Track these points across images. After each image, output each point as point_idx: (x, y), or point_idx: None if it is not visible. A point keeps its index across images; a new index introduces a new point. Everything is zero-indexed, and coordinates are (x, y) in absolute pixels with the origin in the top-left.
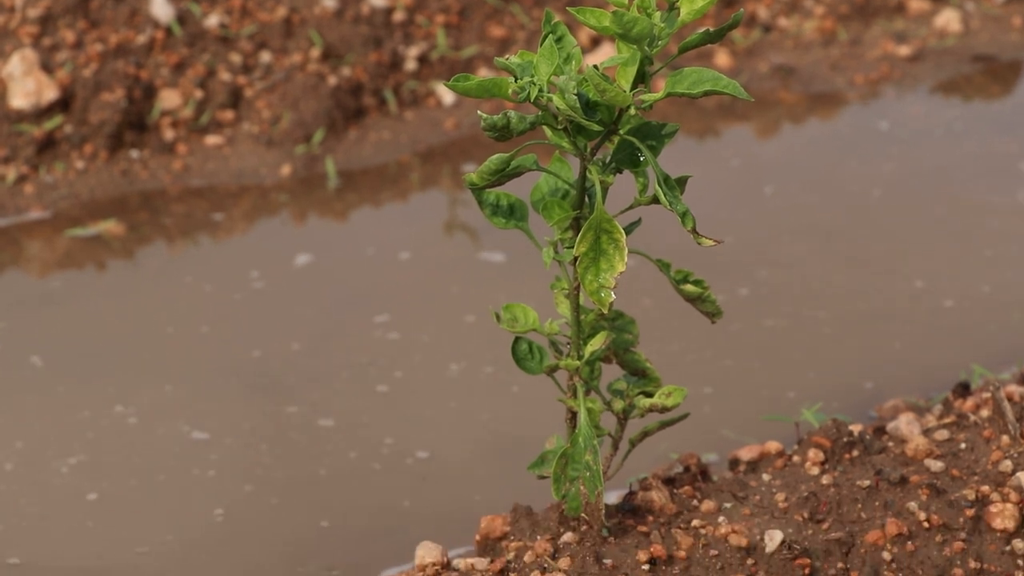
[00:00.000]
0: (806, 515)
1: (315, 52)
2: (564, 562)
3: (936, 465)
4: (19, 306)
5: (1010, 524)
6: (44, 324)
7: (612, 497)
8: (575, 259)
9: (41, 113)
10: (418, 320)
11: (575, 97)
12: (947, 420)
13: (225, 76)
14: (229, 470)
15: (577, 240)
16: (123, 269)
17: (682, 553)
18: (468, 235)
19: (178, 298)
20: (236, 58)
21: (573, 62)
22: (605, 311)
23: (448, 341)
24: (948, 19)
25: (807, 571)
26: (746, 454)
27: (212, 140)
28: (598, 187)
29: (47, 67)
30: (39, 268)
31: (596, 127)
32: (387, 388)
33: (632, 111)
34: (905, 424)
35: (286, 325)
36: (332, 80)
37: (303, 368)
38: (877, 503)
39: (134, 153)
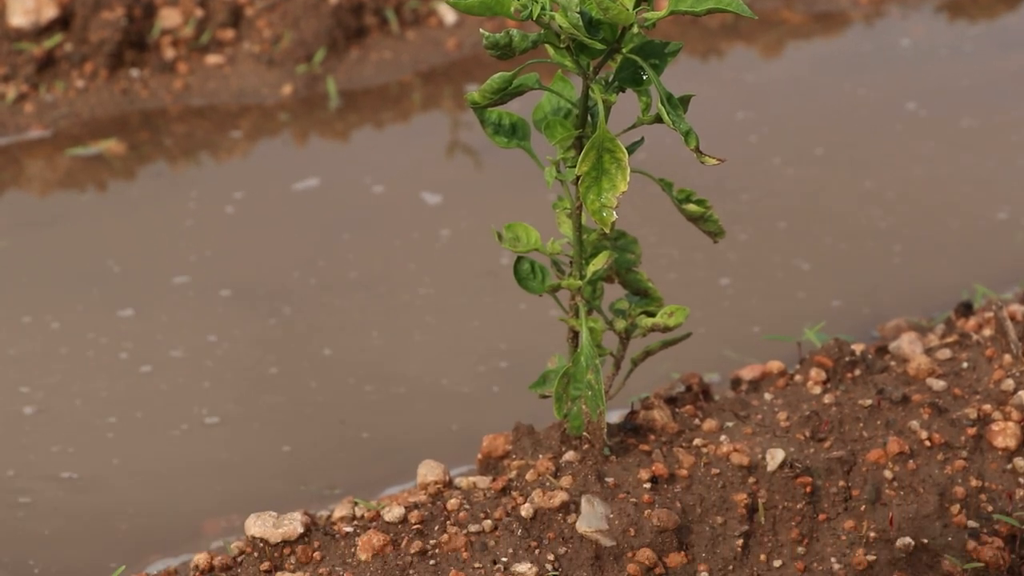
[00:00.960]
0: (808, 434)
1: None
2: (566, 481)
3: (938, 384)
4: (20, 226)
5: (1011, 442)
6: (45, 243)
7: (614, 416)
8: (577, 178)
9: (41, 31)
10: (419, 241)
11: (578, 15)
12: (949, 339)
13: None
14: (227, 389)
15: (579, 159)
16: (124, 188)
17: (684, 472)
18: (470, 155)
19: (179, 218)
20: None
21: None
22: (607, 230)
23: (449, 262)
24: None
25: (808, 490)
26: (748, 373)
27: (213, 59)
28: (600, 106)
29: None
30: (40, 187)
31: (599, 45)
32: (389, 310)
33: (635, 29)
34: (907, 343)
35: (287, 246)
36: None
37: (303, 290)
38: (879, 422)
39: (134, 72)
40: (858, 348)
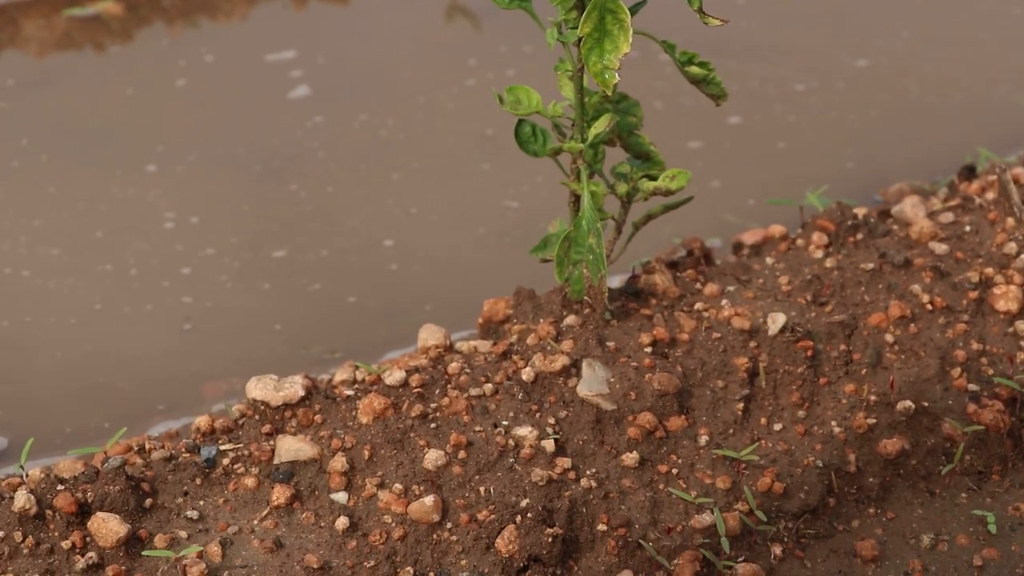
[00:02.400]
0: (809, 298)
1: None
2: (567, 345)
3: (940, 248)
4: (17, 87)
5: (1013, 306)
6: (43, 104)
7: (615, 281)
8: (579, 40)
9: None
10: (420, 111)
11: None
12: (952, 203)
13: None
14: (226, 255)
15: (581, 20)
16: (122, 50)
17: (685, 336)
18: (469, 20)
19: (176, 80)
20: None
21: None
22: (609, 92)
23: (450, 129)
24: None
25: (809, 353)
26: (750, 238)
27: None
28: None
29: None
30: (37, 48)
31: None
32: (390, 177)
33: None
34: (910, 207)
35: (285, 112)
36: None
37: (302, 157)
38: (880, 286)
39: None
40: (860, 212)
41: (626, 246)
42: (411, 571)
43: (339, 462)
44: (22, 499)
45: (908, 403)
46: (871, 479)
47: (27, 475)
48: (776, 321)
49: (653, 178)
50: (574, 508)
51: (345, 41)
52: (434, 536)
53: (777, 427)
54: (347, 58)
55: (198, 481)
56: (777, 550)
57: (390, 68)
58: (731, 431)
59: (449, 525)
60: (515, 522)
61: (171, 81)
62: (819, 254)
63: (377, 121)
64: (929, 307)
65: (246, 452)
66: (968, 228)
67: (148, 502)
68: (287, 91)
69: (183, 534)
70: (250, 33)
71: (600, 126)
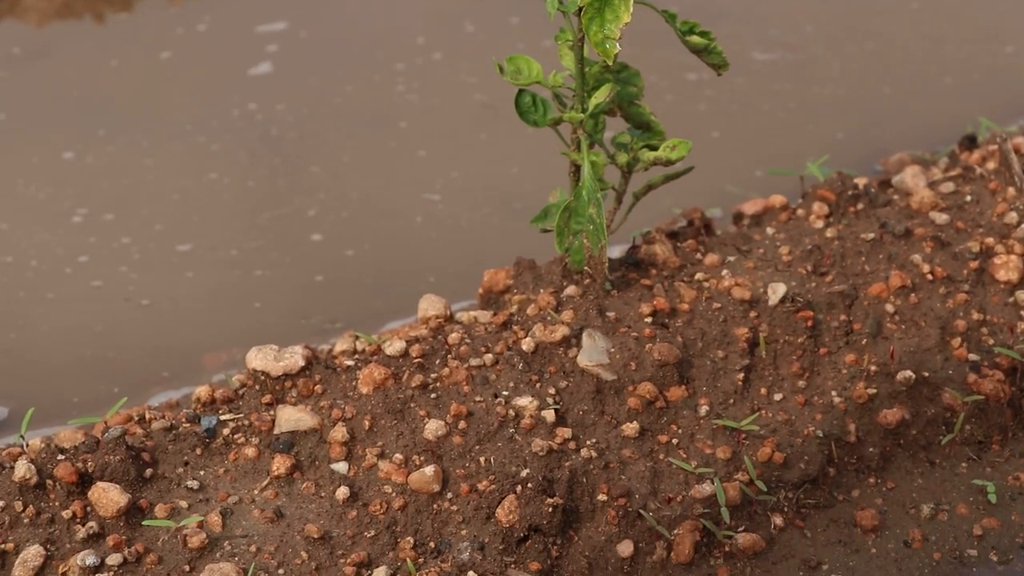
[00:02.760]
0: (809, 268)
1: None
2: (567, 315)
3: (941, 218)
4: (16, 57)
5: (1014, 276)
6: (42, 75)
7: (615, 251)
8: (580, 9)
9: None
10: (421, 76)
11: None
12: (953, 173)
13: None
14: (226, 226)
15: None
16: (122, 21)
17: (685, 306)
18: None
19: (177, 49)
20: None
21: None
22: (610, 62)
23: (449, 98)
24: None
25: (809, 324)
26: (750, 208)
27: None
28: None
29: None
30: (37, 18)
31: None
32: (390, 147)
33: None
34: (910, 177)
35: (290, 79)
36: None
37: (303, 123)
38: (881, 256)
39: None
40: (861, 182)
41: (626, 216)
42: (411, 541)
43: (339, 432)
44: (22, 469)
45: (908, 373)
46: (871, 449)
47: (27, 445)
48: (776, 291)
49: (654, 148)
50: (574, 478)
51: (343, 8)
52: (434, 506)
53: (777, 397)
54: (345, 23)
55: (198, 451)
56: (777, 520)
57: (388, 36)
58: (731, 401)
59: (449, 495)
60: (515, 492)
61: (168, 50)
62: (820, 224)
63: (374, 90)
64: (929, 277)
65: (246, 422)
66: (969, 198)
67: (148, 472)
68: (285, 60)
69: (183, 504)
70: (247, 2)
71: (600, 96)
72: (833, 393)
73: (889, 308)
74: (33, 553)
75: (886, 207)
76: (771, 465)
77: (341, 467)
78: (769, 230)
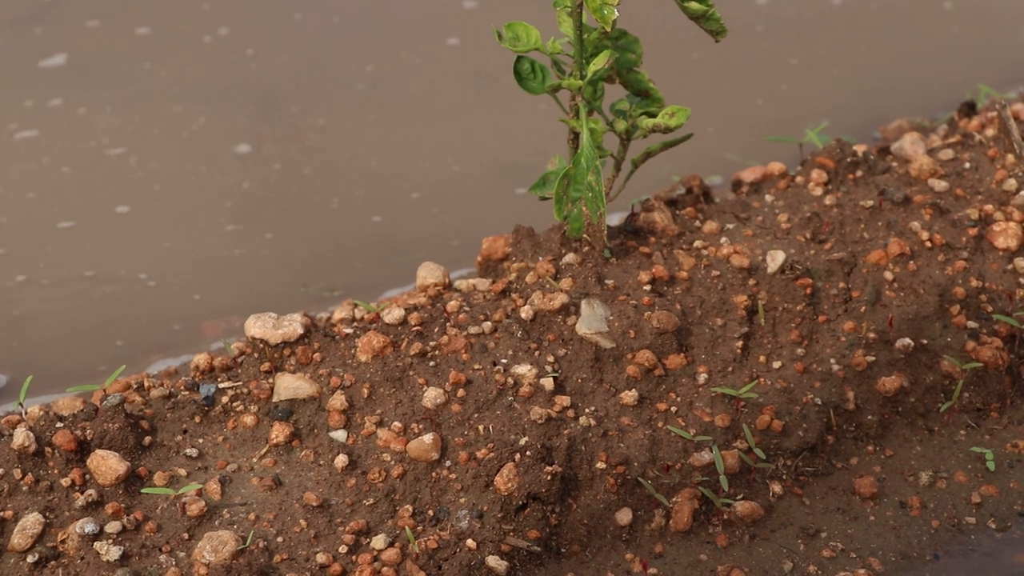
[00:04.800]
0: (808, 235)
1: None
2: (566, 283)
3: (940, 185)
4: (17, 22)
5: (1012, 243)
6: (41, 41)
7: (614, 218)
8: None
9: None
10: (417, 44)
11: None
12: (952, 140)
13: None
14: (225, 195)
15: None
16: None
17: (684, 274)
18: None
19: (176, 15)
20: None
21: None
22: (608, 29)
23: (447, 65)
24: None
25: (808, 291)
26: (749, 175)
27: None
28: None
29: None
30: None
31: None
32: (386, 113)
33: None
34: (909, 144)
35: (286, 44)
36: None
37: (300, 91)
38: (880, 223)
39: None
40: (860, 149)
41: (625, 184)
42: (410, 509)
43: (338, 400)
44: (21, 436)
45: (907, 340)
46: (870, 416)
47: (26, 412)
48: (775, 259)
49: (652, 115)
50: (573, 446)
51: None
52: (433, 474)
53: (776, 365)
54: None
55: (197, 419)
56: (776, 488)
57: (385, 2)
58: (730, 369)
59: (448, 463)
60: (514, 460)
61: (168, 14)
62: (818, 191)
63: (372, 57)
64: (928, 244)
65: (245, 390)
66: (968, 165)
67: (147, 440)
68: (284, 28)
69: (182, 472)
70: None
71: (599, 63)
72: (832, 361)
73: (888, 275)
74: (32, 521)
75: (885, 174)
76: (770, 433)
77: (340, 435)
78: (768, 197)
